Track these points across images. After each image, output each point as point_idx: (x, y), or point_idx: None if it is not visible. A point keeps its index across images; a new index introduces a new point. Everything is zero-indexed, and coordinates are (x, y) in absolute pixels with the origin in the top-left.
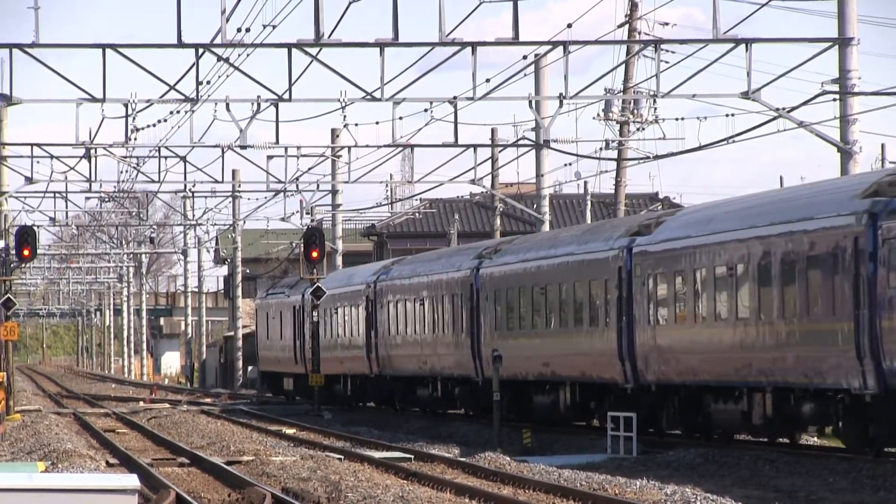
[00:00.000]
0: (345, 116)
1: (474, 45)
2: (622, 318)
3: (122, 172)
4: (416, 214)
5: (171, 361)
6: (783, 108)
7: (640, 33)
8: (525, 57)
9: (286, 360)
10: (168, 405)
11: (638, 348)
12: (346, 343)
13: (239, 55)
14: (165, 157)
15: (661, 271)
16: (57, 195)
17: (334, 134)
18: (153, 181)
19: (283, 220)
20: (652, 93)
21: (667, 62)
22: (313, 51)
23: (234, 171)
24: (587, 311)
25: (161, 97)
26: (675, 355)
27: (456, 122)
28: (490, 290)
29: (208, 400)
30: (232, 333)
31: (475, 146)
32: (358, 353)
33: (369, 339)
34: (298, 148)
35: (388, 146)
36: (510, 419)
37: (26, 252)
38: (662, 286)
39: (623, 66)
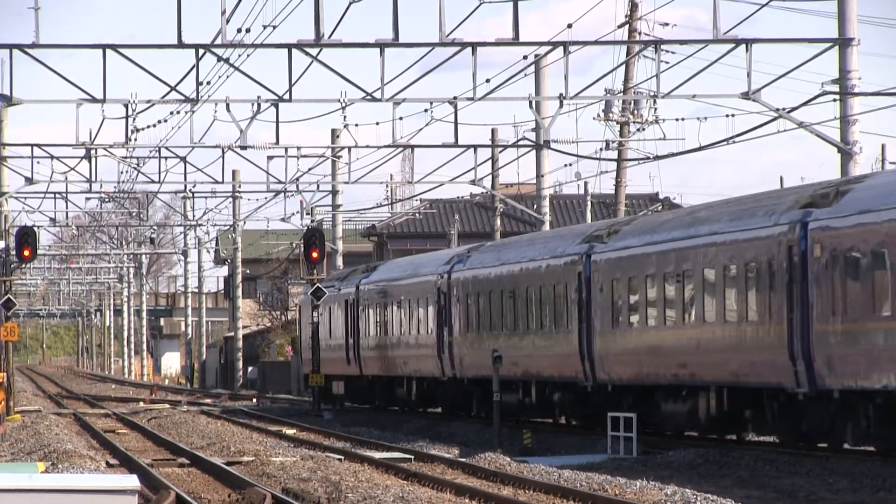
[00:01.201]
0: (345, 117)
1: (474, 46)
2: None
3: (122, 173)
4: (417, 215)
5: (172, 362)
6: (783, 109)
7: (640, 34)
8: (525, 57)
9: (336, 361)
10: (168, 406)
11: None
12: (411, 341)
13: (239, 55)
14: (165, 158)
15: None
16: (57, 195)
17: (334, 134)
18: (153, 181)
19: (283, 220)
20: (652, 93)
21: (667, 62)
22: (313, 51)
23: (234, 172)
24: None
25: (161, 98)
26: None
27: (456, 123)
28: (606, 279)
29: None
30: (232, 334)
31: (475, 146)
32: (426, 352)
33: (441, 336)
34: (298, 148)
35: (389, 146)
36: (648, 433)
37: (26, 252)
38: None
39: (623, 66)
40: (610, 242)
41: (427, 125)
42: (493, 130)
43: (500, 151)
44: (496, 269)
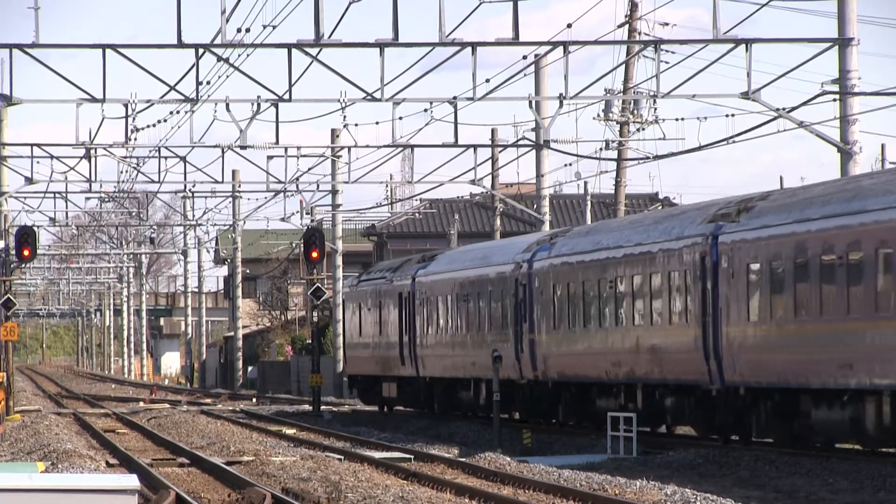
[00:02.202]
0: (345, 117)
1: (474, 46)
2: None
3: (122, 172)
4: (417, 215)
5: (171, 362)
6: (783, 109)
7: (640, 34)
8: (525, 57)
9: (388, 361)
10: (168, 405)
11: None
12: (481, 340)
13: (239, 55)
14: (165, 158)
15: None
16: (57, 195)
17: (334, 134)
18: (153, 181)
19: (283, 220)
20: (652, 93)
21: (667, 62)
22: (313, 51)
23: (234, 172)
24: None
25: (161, 97)
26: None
27: (456, 123)
28: (740, 264)
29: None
30: (232, 334)
31: (475, 146)
32: (501, 351)
33: (519, 334)
34: (298, 148)
35: (388, 146)
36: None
37: (26, 252)
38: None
39: (623, 66)
40: (742, 221)
41: (427, 125)
42: (492, 130)
43: (500, 151)
44: (591, 255)
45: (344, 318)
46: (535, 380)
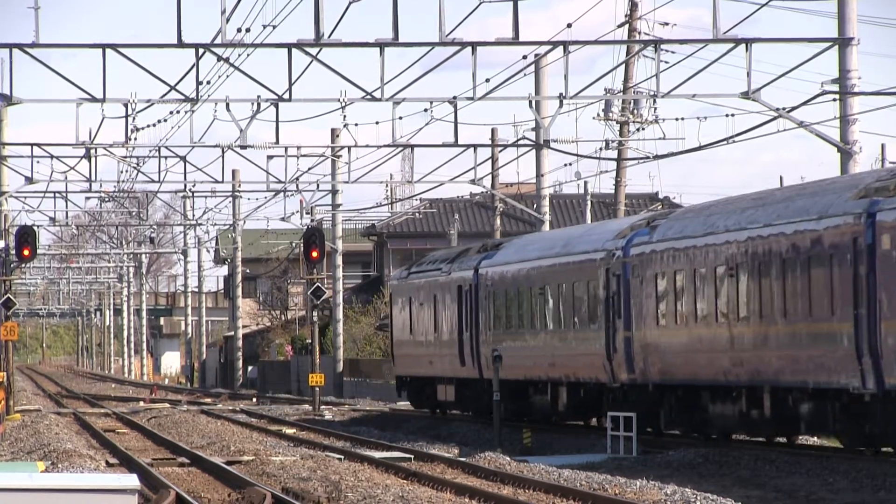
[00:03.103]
0: (345, 116)
1: (474, 45)
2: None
3: (122, 172)
4: (417, 214)
5: (171, 361)
6: (783, 108)
7: (640, 33)
8: (525, 57)
9: (443, 360)
10: (168, 405)
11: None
12: (562, 337)
13: (239, 55)
14: (165, 157)
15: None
16: (57, 195)
17: (334, 134)
18: (153, 181)
19: (283, 220)
20: (652, 93)
21: (667, 62)
22: (313, 51)
23: (234, 171)
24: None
25: (161, 97)
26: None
27: (456, 122)
28: None
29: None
30: (232, 333)
31: (475, 146)
32: (587, 350)
33: (611, 330)
34: (298, 148)
35: (388, 146)
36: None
37: (26, 252)
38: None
39: (623, 66)
40: None
41: (427, 125)
42: (492, 130)
43: (500, 151)
44: (704, 240)
45: (391, 313)
46: (630, 382)
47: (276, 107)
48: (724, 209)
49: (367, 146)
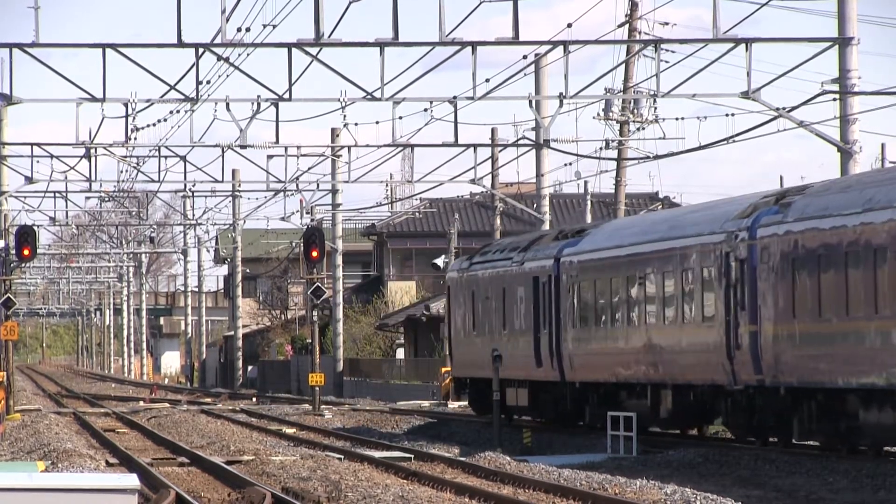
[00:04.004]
0: (345, 116)
1: (474, 45)
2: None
3: (122, 172)
4: (416, 214)
5: (171, 361)
6: (783, 108)
7: (640, 33)
8: (525, 57)
9: (514, 361)
10: (168, 405)
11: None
12: (667, 334)
13: (239, 55)
14: (165, 157)
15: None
16: (57, 195)
17: (334, 134)
18: (153, 181)
19: (282, 219)
20: (652, 92)
21: (667, 62)
22: (313, 50)
23: (234, 171)
24: None
25: (161, 97)
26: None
27: (456, 122)
28: None
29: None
30: (232, 333)
31: (475, 146)
32: (699, 347)
33: (732, 325)
34: (298, 148)
35: (388, 146)
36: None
37: (26, 252)
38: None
39: (623, 65)
40: None
41: (427, 124)
42: (492, 130)
43: (500, 151)
44: (859, 218)
45: (449, 308)
46: (757, 385)
47: (276, 106)
48: (878, 179)
49: (367, 146)
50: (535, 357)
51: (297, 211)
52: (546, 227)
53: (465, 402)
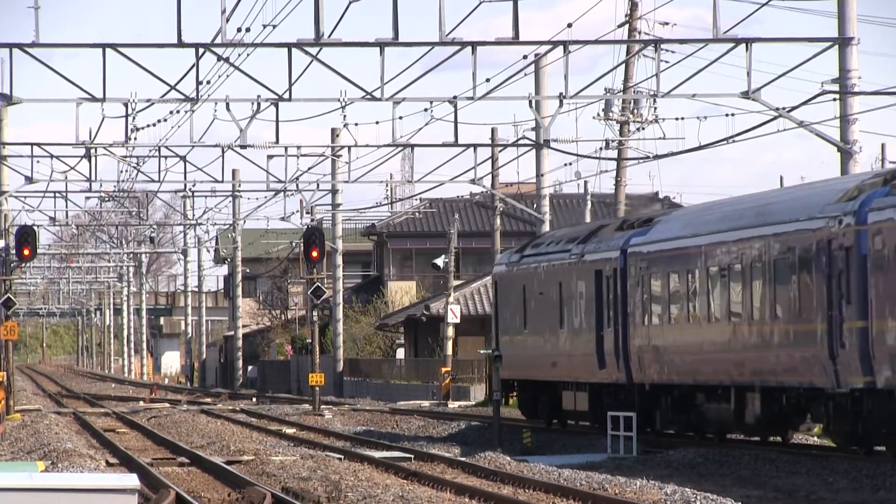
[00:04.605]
0: (345, 116)
1: (474, 45)
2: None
3: (122, 172)
4: (416, 214)
5: (171, 361)
6: (783, 108)
7: (640, 33)
8: (525, 57)
9: (572, 361)
10: (168, 405)
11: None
12: (758, 331)
13: (239, 55)
14: (165, 157)
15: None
16: (57, 195)
17: (334, 134)
18: (153, 181)
19: (282, 219)
20: (652, 92)
21: (667, 62)
22: (313, 50)
23: (234, 171)
24: None
25: (161, 97)
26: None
27: (456, 122)
28: None
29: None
30: (232, 333)
31: (475, 146)
32: (795, 345)
33: (835, 320)
34: (298, 148)
35: (388, 146)
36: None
37: (26, 252)
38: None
39: (623, 65)
40: None
41: (427, 124)
42: (492, 130)
43: (500, 151)
44: None
45: (496, 305)
46: (866, 388)
47: (276, 106)
48: None
49: (367, 146)
50: (597, 357)
51: (297, 211)
52: (546, 227)
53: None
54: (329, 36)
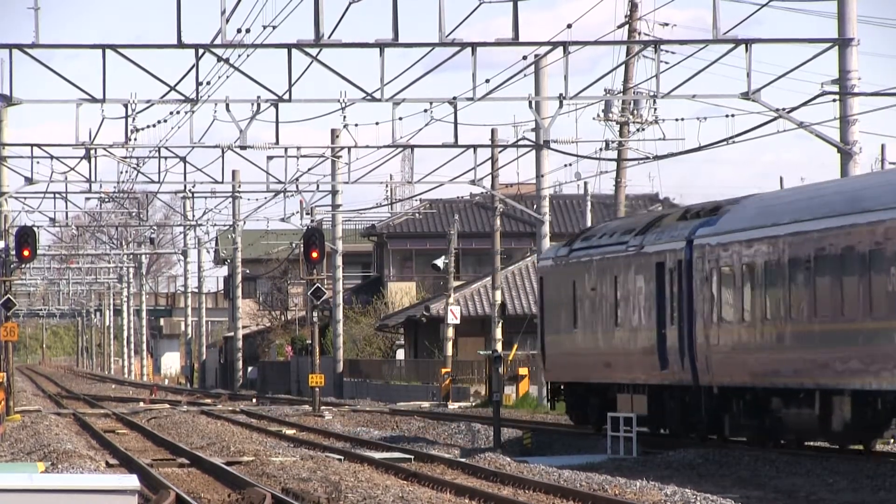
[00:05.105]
0: (345, 117)
1: (474, 46)
2: None
3: (122, 173)
4: (416, 215)
5: (171, 362)
6: (783, 109)
7: (640, 34)
8: (525, 57)
9: (630, 361)
10: (168, 406)
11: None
12: (851, 327)
13: (239, 56)
14: (165, 158)
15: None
16: (57, 196)
17: (334, 134)
18: (153, 181)
19: (282, 220)
20: (652, 93)
21: (667, 63)
22: (313, 51)
23: (234, 172)
24: None
25: (161, 98)
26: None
27: (456, 123)
28: None
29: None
30: (232, 334)
31: (475, 147)
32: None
33: None
34: (298, 148)
35: (388, 147)
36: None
37: (26, 252)
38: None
39: (623, 66)
40: None
41: (427, 125)
42: (492, 130)
43: (500, 151)
44: None
45: (541, 301)
46: None
47: (276, 107)
48: None
49: (366, 147)
50: (658, 357)
51: (297, 212)
52: (546, 228)
53: (470, 404)
54: (329, 37)
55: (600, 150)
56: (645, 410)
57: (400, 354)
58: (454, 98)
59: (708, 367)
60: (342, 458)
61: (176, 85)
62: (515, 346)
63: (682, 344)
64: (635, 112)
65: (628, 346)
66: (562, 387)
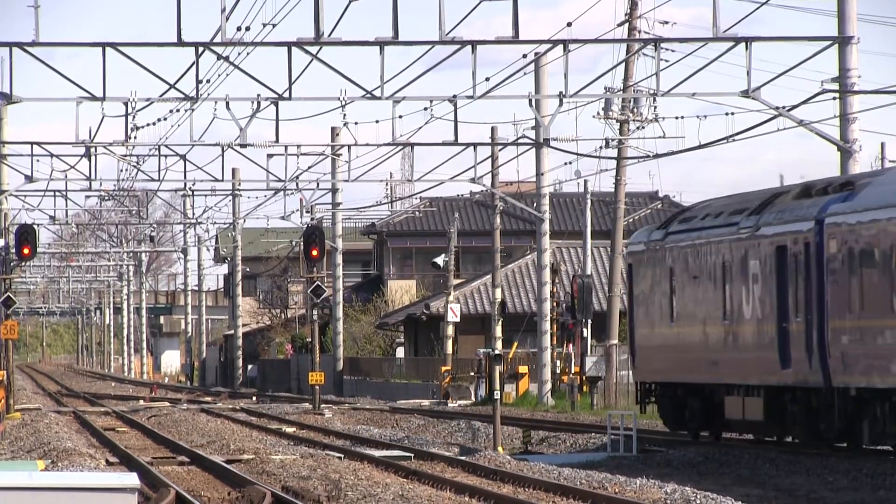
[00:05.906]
0: (345, 115)
1: (474, 44)
2: None
3: (122, 171)
4: (416, 213)
5: (171, 360)
6: (783, 107)
7: (640, 32)
8: (525, 55)
9: (741, 359)
10: (168, 404)
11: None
12: None
13: (239, 54)
14: (165, 156)
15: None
16: (57, 194)
17: (334, 132)
18: (153, 180)
19: (282, 218)
20: (652, 91)
21: (667, 61)
22: (313, 49)
23: (234, 170)
24: None
25: (161, 96)
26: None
27: (456, 121)
28: None
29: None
30: (232, 332)
31: (475, 145)
32: None
33: None
34: (298, 146)
35: (388, 145)
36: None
37: (26, 251)
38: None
39: (623, 64)
40: None
41: (427, 123)
42: (492, 129)
43: (500, 150)
44: None
45: (631, 291)
46: None
47: (276, 105)
48: None
49: (367, 145)
50: (778, 354)
51: (297, 210)
52: (546, 226)
53: (464, 401)
54: (329, 35)
55: (600, 148)
56: (760, 415)
57: (400, 352)
58: (454, 96)
59: (843, 365)
60: (342, 456)
61: (176, 83)
62: (515, 344)
63: (810, 339)
64: (635, 110)
65: (739, 342)
66: (653, 387)
